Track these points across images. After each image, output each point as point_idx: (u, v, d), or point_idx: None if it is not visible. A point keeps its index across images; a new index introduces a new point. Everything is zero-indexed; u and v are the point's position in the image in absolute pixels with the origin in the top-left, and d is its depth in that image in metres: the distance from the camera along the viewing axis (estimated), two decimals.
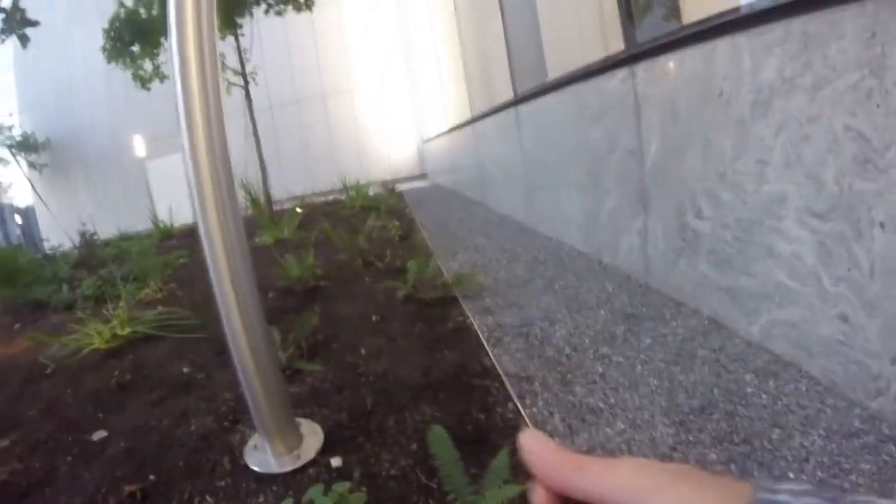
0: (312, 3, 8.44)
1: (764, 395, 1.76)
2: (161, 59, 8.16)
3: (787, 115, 1.70)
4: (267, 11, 8.31)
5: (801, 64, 1.62)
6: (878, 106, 1.38)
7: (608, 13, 3.08)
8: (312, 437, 2.00)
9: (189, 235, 8.10)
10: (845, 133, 1.49)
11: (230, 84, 8.00)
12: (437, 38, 9.78)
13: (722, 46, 2.02)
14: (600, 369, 2.18)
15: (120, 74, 8.78)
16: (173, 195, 9.07)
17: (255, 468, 1.89)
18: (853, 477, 1.37)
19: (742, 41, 1.90)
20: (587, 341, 2.44)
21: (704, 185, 2.24)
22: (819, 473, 1.40)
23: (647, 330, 2.40)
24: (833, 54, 1.50)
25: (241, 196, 7.47)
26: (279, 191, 9.44)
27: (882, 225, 1.43)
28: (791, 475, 1.41)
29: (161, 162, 15.18)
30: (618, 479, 0.28)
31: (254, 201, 8.22)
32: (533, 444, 0.32)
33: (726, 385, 1.87)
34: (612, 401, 1.95)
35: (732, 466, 1.48)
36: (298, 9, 8.36)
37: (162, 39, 7.62)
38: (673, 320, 2.43)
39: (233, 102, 7.03)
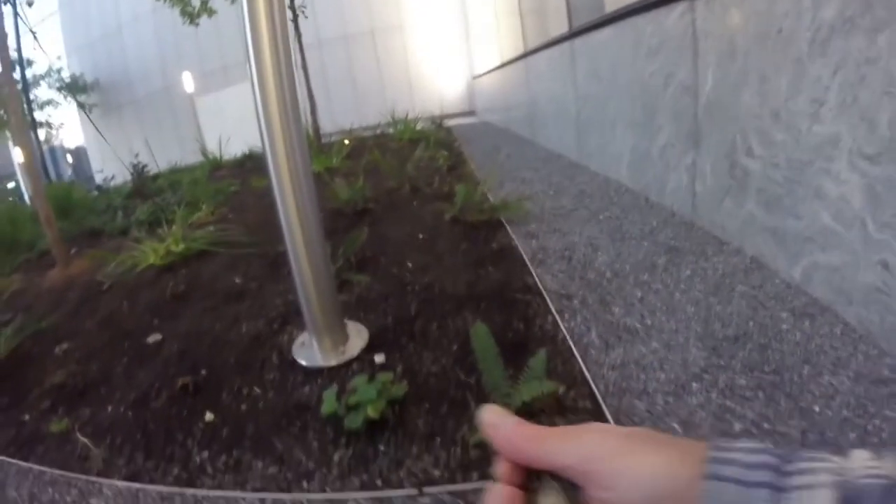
0: None
1: (798, 334, 1.84)
2: None
3: (846, 55, 1.71)
4: None
5: (862, 4, 1.61)
6: None
7: None
8: (358, 337, 2.14)
9: (239, 167, 8.29)
10: None
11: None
12: None
13: None
14: (639, 294, 2.29)
15: (166, 12, 8.77)
16: (222, 129, 9.23)
17: (303, 362, 2.04)
18: (877, 421, 1.39)
19: None
20: (628, 268, 2.55)
21: (758, 124, 2.25)
22: (844, 412, 1.44)
23: (688, 263, 2.49)
24: None
25: None
26: (327, 124, 9.47)
27: None
28: (816, 409, 1.48)
29: (210, 97, 15.31)
30: (581, 447, 0.30)
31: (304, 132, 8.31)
32: (493, 418, 0.34)
33: (762, 320, 1.95)
34: (649, 322, 2.06)
35: (760, 394, 1.57)
36: None
37: None
38: (715, 256, 2.50)
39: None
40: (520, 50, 7.47)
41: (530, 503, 0.32)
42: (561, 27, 5.28)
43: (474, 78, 13.79)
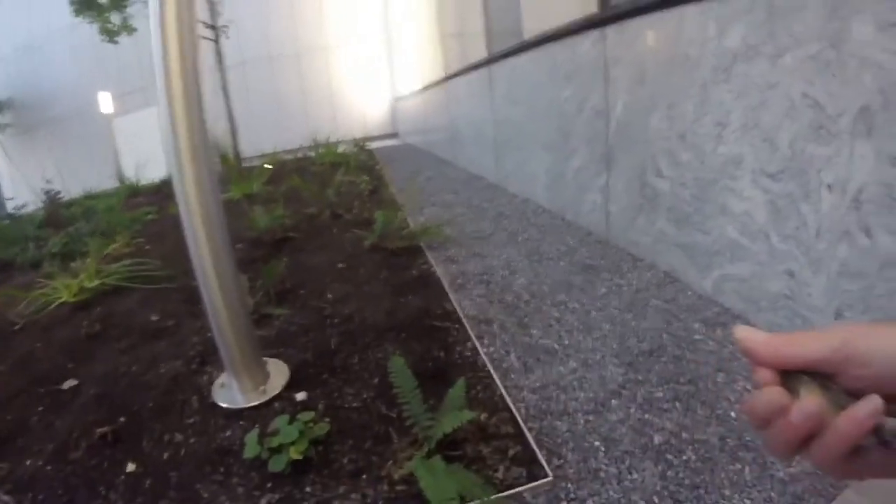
0: None
1: (711, 343, 1.90)
2: (129, 10, 7.81)
3: (748, 80, 1.80)
4: None
5: (764, 33, 1.70)
6: (833, 76, 1.49)
7: None
8: (278, 374, 2.08)
9: (156, 193, 7.88)
10: (802, 100, 1.60)
11: (201, 37, 7.72)
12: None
13: (690, 12, 2.09)
14: (556, 314, 2.30)
15: (84, 31, 8.37)
16: (140, 152, 8.75)
17: (223, 405, 1.95)
18: None
19: (710, 9, 1.97)
20: (545, 289, 2.56)
21: (666, 146, 2.34)
22: None
23: (604, 280, 2.53)
24: (795, 25, 1.59)
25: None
26: (249, 148, 9.23)
27: (829, 187, 1.55)
28: (732, 414, 1.53)
29: (128, 119, 14.42)
30: (834, 337, 0.34)
31: (223, 157, 8.04)
32: (747, 333, 0.38)
33: (676, 332, 2.00)
34: (567, 342, 2.07)
35: (677, 405, 1.60)
36: None
37: None
38: (629, 273, 2.56)
39: (203, 57, 6.80)
40: (441, 74, 7.56)
41: (793, 397, 0.35)
42: (480, 52, 5.38)
43: (397, 100, 13.85)
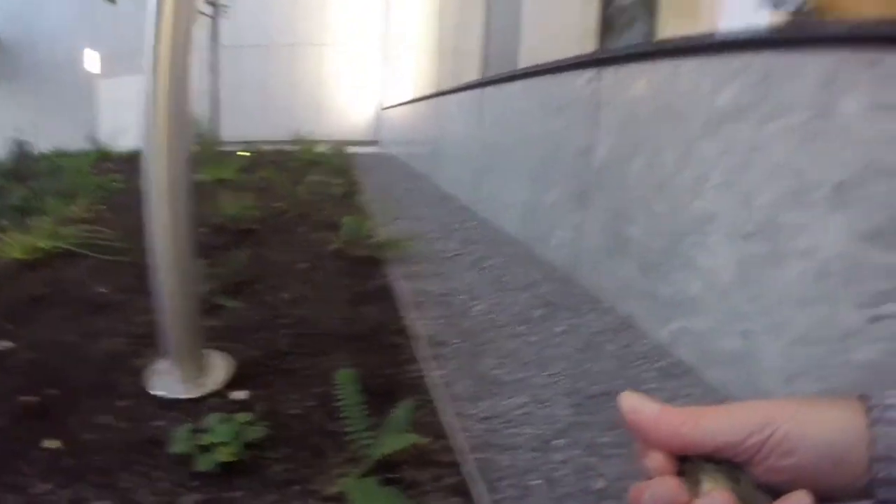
0: None
1: (662, 393, 1.88)
2: None
3: (734, 140, 1.82)
4: None
5: (757, 96, 1.73)
6: (818, 147, 1.51)
7: (589, 17, 3.16)
8: (221, 368, 2.00)
9: (127, 161, 7.62)
10: (784, 166, 1.62)
11: (199, 13, 7.61)
12: (417, 9, 9.63)
13: (687, 66, 2.11)
14: (512, 346, 2.27)
15: None
16: (120, 118, 8.48)
17: (159, 392, 1.87)
18: None
19: (706, 64, 2.00)
20: (504, 319, 2.53)
21: (643, 193, 2.35)
22: None
23: (564, 318, 2.51)
24: (787, 92, 1.61)
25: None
26: (230, 132, 9.08)
27: (800, 255, 1.56)
28: None
29: (114, 82, 14.00)
30: (749, 419, 0.28)
31: (201, 137, 7.87)
32: (635, 403, 0.30)
33: (628, 378, 1.99)
34: (519, 376, 2.03)
35: (622, 451, 1.57)
36: None
37: None
38: (589, 314, 2.55)
39: (197, 35, 6.70)
40: (433, 89, 7.58)
41: (691, 492, 0.28)
42: (474, 74, 5.41)
43: (383, 109, 13.85)
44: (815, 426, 0.27)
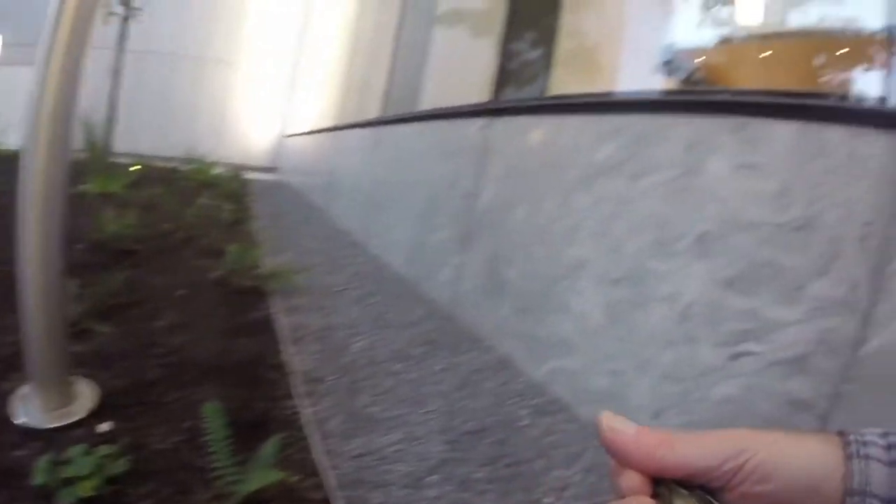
0: None
1: (536, 430, 1.94)
2: None
3: (606, 193, 1.96)
4: None
5: (630, 153, 1.88)
6: (683, 202, 1.66)
7: (489, 68, 3.32)
8: (87, 397, 1.87)
9: (4, 163, 6.87)
10: (650, 218, 1.76)
11: (110, 13, 7.14)
12: (330, 42, 9.65)
13: (570, 122, 2.27)
14: (390, 384, 2.25)
15: None
16: (9, 113, 7.58)
17: (21, 420, 1.72)
18: None
19: (587, 122, 2.16)
20: (384, 355, 2.50)
21: (522, 239, 2.46)
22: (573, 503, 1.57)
23: (443, 357, 2.53)
24: (657, 152, 1.77)
25: (77, 134, 6.53)
26: (125, 144, 8.44)
27: (663, 300, 1.69)
28: (549, 501, 1.56)
29: (13, 71, 12.62)
30: (726, 445, 0.28)
31: (92, 145, 7.24)
32: (614, 423, 0.32)
33: (503, 416, 2.02)
34: (395, 413, 2.01)
35: (496, 486, 1.60)
36: None
37: None
38: (468, 352, 2.58)
39: (105, 36, 6.27)
40: (335, 121, 7.57)
41: None
42: (374, 112, 5.47)
43: (284, 137, 13.55)
44: (792, 455, 0.27)
